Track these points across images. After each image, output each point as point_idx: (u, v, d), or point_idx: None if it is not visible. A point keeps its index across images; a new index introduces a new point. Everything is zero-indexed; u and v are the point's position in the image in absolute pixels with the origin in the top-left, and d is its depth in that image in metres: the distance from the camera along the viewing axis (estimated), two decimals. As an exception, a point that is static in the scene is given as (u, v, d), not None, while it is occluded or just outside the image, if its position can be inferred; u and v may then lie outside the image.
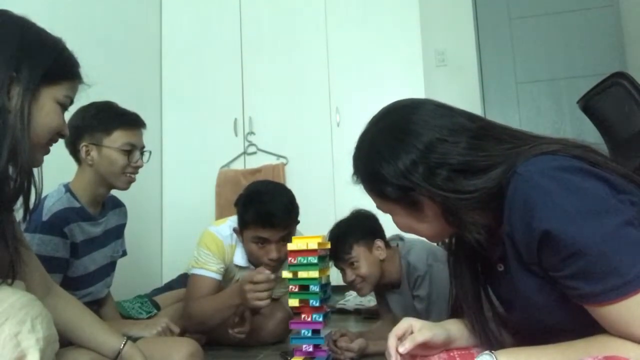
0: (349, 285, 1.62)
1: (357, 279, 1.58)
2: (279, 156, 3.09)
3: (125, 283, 2.06)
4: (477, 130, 0.82)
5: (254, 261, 1.77)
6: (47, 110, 0.93)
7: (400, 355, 0.84)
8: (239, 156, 3.19)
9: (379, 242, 1.60)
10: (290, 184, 2.97)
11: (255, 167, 3.11)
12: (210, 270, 1.76)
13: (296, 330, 1.32)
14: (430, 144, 0.80)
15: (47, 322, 0.82)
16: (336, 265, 1.61)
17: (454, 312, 0.96)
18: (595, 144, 0.82)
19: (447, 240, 0.96)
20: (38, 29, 0.94)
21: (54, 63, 0.93)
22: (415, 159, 0.80)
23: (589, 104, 1.73)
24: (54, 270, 1.36)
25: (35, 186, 0.92)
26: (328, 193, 2.98)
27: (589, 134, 2.29)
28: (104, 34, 2.67)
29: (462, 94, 3.13)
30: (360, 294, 1.63)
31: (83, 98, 1.59)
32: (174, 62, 3.31)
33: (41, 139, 0.94)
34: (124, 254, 1.81)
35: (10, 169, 0.86)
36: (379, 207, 0.91)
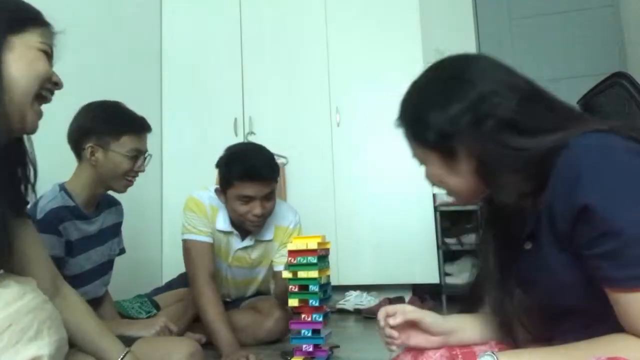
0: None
1: None
2: (279, 156, 3.08)
3: (125, 283, 2.06)
4: (532, 93, 0.81)
5: (238, 221, 1.82)
6: (28, 58, 0.87)
7: (398, 344, 0.84)
8: (239, 156, 3.18)
9: None
10: (290, 184, 2.98)
11: (255, 167, 3.11)
12: (201, 233, 1.82)
13: (296, 330, 1.32)
14: (483, 94, 0.79)
15: (56, 326, 0.81)
16: None
17: (472, 299, 0.96)
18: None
19: (479, 213, 0.95)
20: None
21: (12, 11, 0.89)
22: (465, 107, 0.79)
23: (589, 104, 1.73)
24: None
25: (28, 157, 0.90)
26: (328, 193, 2.98)
27: (589, 134, 2.28)
28: (104, 35, 2.67)
29: (462, 94, 3.12)
30: None
31: (88, 98, 1.60)
32: (174, 63, 3.31)
33: (30, 90, 0.87)
34: (122, 251, 1.81)
35: None
36: (414, 154, 0.89)
